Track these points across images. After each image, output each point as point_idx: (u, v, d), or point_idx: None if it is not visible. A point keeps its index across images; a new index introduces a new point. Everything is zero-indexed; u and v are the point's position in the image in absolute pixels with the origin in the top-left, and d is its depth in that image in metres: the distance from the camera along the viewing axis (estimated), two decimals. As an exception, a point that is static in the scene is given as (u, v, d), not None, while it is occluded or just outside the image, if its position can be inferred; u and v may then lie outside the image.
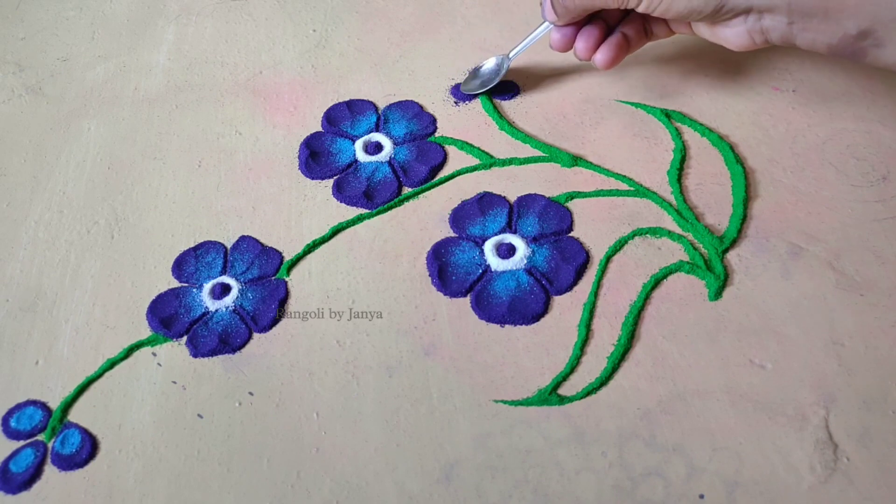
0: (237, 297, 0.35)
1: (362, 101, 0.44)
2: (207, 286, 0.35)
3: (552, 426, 0.30)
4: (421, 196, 0.39)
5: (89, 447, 0.30)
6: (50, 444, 0.30)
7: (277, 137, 0.42)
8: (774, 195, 0.37)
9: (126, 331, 0.34)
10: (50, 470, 0.30)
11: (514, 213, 0.37)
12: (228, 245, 0.37)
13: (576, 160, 0.39)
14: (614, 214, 0.37)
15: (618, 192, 0.38)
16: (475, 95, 0.43)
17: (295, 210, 0.38)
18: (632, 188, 0.38)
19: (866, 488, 0.28)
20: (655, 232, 0.36)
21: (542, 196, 0.38)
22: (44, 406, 0.32)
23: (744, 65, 0.44)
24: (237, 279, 0.35)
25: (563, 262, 0.35)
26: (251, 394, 0.32)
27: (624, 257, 0.35)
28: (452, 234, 0.37)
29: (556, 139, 0.41)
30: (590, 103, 0.43)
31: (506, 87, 0.44)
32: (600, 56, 0.39)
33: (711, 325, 0.33)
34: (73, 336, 0.34)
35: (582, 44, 0.39)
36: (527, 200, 0.38)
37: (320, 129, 0.42)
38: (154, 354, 0.33)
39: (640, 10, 0.36)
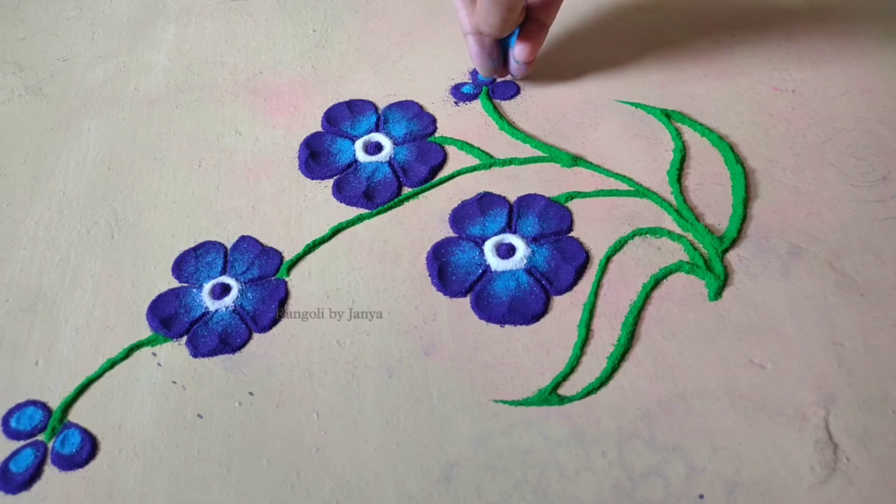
0: (237, 297, 0.35)
1: (362, 101, 0.44)
2: (207, 286, 0.35)
3: (552, 426, 0.30)
4: (421, 196, 0.39)
5: (89, 447, 0.30)
6: (50, 444, 0.30)
7: (277, 137, 0.42)
8: (774, 195, 0.37)
9: (126, 331, 0.34)
10: (50, 470, 0.30)
11: (514, 213, 0.37)
12: (228, 245, 0.37)
13: (576, 160, 0.39)
14: (614, 214, 0.37)
15: (618, 192, 0.38)
16: (477, 94, 0.43)
17: (295, 210, 0.38)
18: (632, 188, 0.38)
19: (866, 488, 0.28)
20: (655, 232, 0.36)
21: (542, 196, 0.38)
22: (44, 406, 0.32)
23: (744, 65, 0.44)
24: (237, 279, 0.35)
25: (563, 262, 0.35)
26: (251, 394, 0.32)
27: (624, 257, 0.35)
28: (452, 234, 0.37)
29: (556, 139, 0.41)
30: (590, 103, 0.43)
31: (506, 87, 0.44)
32: (519, 49, 0.41)
33: (711, 325, 0.33)
34: (73, 336, 0.34)
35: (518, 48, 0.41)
36: (527, 200, 0.38)
37: (320, 129, 0.42)
38: (154, 354, 0.33)
39: None
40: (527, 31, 0.41)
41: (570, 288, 0.34)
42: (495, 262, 0.35)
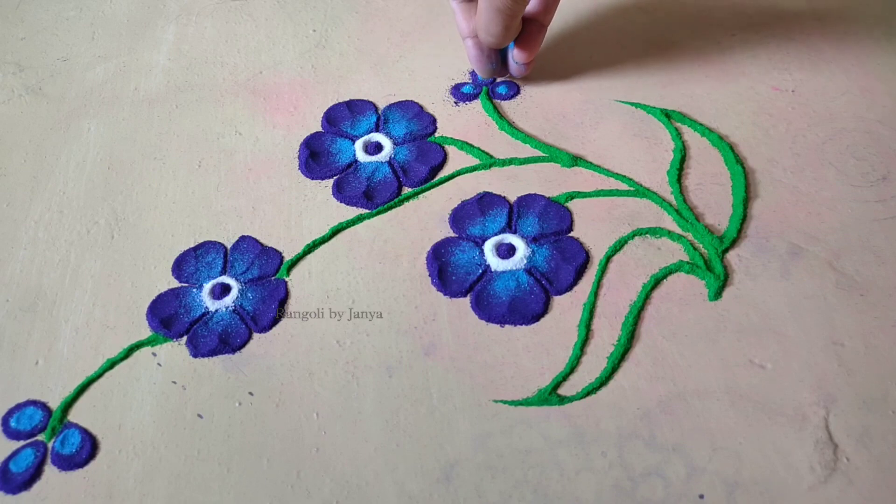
0: (237, 297, 0.35)
1: (362, 101, 0.44)
2: (207, 286, 0.35)
3: (552, 426, 0.30)
4: (421, 196, 0.39)
5: (89, 447, 0.30)
6: (50, 444, 0.30)
7: (277, 137, 0.42)
8: (774, 195, 0.37)
9: (126, 331, 0.34)
10: (50, 470, 0.30)
11: (514, 213, 0.37)
12: (228, 245, 0.37)
13: (576, 160, 0.39)
14: (614, 214, 0.37)
15: (618, 192, 0.38)
16: (476, 94, 0.43)
17: (295, 210, 0.38)
18: (632, 188, 0.38)
19: (866, 488, 0.28)
20: (655, 232, 0.36)
21: (542, 196, 0.38)
22: (44, 406, 0.32)
23: (744, 65, 0.44)
24: (237, 279, 0.35)
25: (563, 262, 0.35)
26: (251, 394, 0.32)
27: (624, 257, 0.35)
28: (452, 234, 0.37)
29: (556, 139, 0.41)
30: (590, 103, 0.43)
31: (506, 87, 0.44)
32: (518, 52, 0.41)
33: (711, 325, 0.33)
34: (73, 336, 0.34)
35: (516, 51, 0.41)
36: (527, 200, 0.38)
37: (320, 129, 0.42)
38: (154, 354, 0.33)
39: None
40: (526, 31, 0.41)
41: (570, 288, 0.34)
42: (495, 262, 0.35)
